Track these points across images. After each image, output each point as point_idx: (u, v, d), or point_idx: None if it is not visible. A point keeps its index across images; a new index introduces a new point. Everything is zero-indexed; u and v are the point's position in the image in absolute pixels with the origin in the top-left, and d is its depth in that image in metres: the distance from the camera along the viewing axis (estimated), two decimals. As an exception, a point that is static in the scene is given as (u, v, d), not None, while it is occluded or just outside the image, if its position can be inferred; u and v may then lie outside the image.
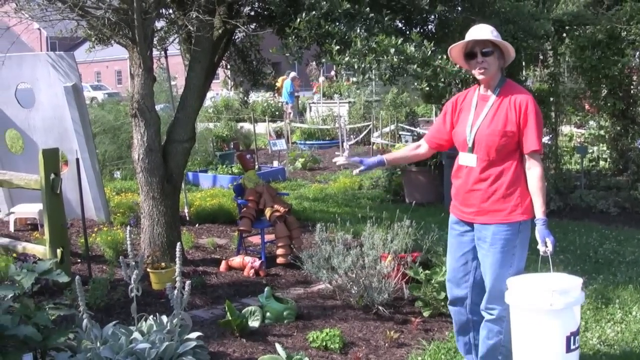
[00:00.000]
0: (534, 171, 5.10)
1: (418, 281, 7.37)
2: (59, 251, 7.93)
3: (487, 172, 5.17)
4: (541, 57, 12.70)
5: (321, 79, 32.42)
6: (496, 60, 5.16)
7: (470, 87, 5.48)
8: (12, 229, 11.11)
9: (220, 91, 34.75)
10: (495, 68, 5.17)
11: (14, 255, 8.65)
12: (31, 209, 11.02)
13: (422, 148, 5.68)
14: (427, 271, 7.37)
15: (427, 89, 7.14)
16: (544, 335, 4.81)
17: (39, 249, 8.49)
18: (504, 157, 5.13)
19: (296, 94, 29.28)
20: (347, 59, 7.18)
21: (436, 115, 20.48)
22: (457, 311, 5.64)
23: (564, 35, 12.19)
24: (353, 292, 7.45)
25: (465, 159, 5.29)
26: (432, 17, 8.62)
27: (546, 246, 4.99)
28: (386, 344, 6.55)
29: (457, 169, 5.43)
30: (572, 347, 4.78)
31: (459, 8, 8.76)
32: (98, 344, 5.71)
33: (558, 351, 4.77)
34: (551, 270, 5.02)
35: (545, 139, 12.87)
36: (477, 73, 5.20)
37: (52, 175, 7.87)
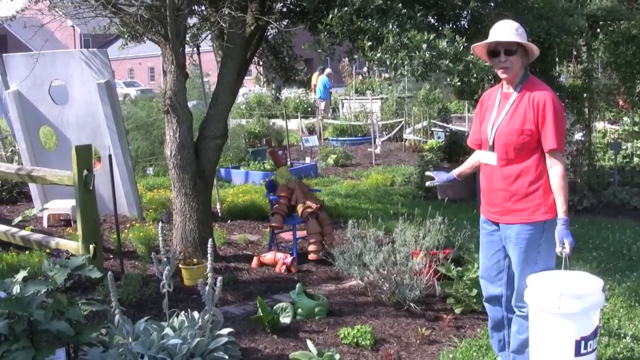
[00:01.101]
0: (555, 170, 5.05)
1: (450, 278, 7.34)
2: (91, 247, 7.97)
3: (508, 171, 5.16)
4: (575, 52, 12.60)
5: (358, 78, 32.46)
6: (519, 59, 5.13)
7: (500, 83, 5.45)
8: (45, 224, 11.19)
9: (252, 87, 34.73)
10: (518, 67, 5.14)
11: (47, 250, 8.71)
12: (64, 205, 11.10)
13: (476, 154, 5.69)
14: (459, 268, 7.34)
15: (459, 84, 7.10)
16: (553, 337, 4.81)
17: (71, 245, 8.54)
18: (525, 156, 5.10)
19: (331, 90, 29.23)
20: (379, 55, 7.16)
21: (469, 111, 20.46)
22: (492, 308, 5.64)
23: (598, 30, 12.06)
24: (384, 288, 7.43)
25: (487, 158, 5.30)
26: (465, 12, 8.59)
27: (563, 247, 4.96)
28: (417, 341, 6.52)
29: (481, 168, 5.45)
30: (583, 351, 4.75)
31: (492, 4, 8.70)
32: (130, 339, 5.74)
33: (567, 354, 4.75)
34: (564, 269, 5.00)
35: (579, 136, 12.77)
36: (499, 72, 5.18)
37: (85, 172, 7.91)
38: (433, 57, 6.97)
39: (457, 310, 7.16)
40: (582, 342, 4.73)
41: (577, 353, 4.73)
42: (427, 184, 6.10)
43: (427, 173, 6.13)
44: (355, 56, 8.18)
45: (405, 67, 7.22)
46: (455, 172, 5.88)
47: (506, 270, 5.44)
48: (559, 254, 5.02)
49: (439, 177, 5.94)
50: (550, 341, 4.82)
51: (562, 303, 4.67)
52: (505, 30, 5.09)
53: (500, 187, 5.19)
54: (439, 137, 19.90)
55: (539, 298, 4.83)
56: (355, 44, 7.57)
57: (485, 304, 5.72)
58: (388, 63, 7.13)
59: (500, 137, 5.13)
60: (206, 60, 12.03)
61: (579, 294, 4.74)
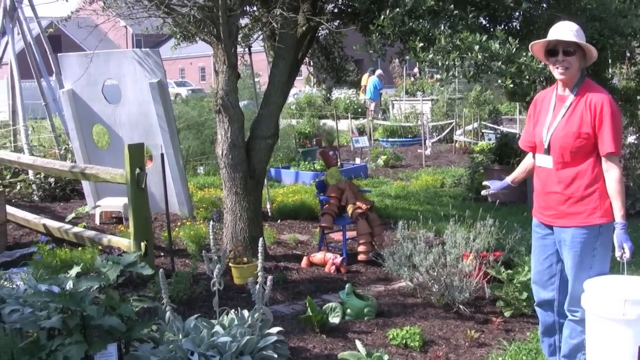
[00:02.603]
0: (611, 174, 5.00)
1: (500, 281, 7.30)
2: (143, 244, 8.04)
3: (564, 174, 5.11)
4: (628, 54, 12.43)
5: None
6: (577, 60, 5.09)
7: (552, 84, 5.40)
8: (97, 221, 11.31)
9: (303, 88, 34.82)
10: (576, 68, 5.10)
11: (99, 247, 8.81)
12: (116, 203, 11.21)
13: (529, 157, 5.66)
14: (509, 271, 7.29)
15: (512, 86, 7.05)
16: (615, 343, 4.74)
17: (123, 242, 8.63)
18: (581, 159, 5.06)
19: (381, 91, 29.19)
20: (431, 56, 7.13)
21: (520, 113, 20.27)
22: (543, 313, 5.60)
23: (652, 32, 11.90)
24: (434, 290, 7.41)
25: (542, 161, 5.26)
26: (517, 14, 8.52)
27: (623, 251, 4.92)
28: (466, 344, 6.51)
29: (536, 170, 5.40)
30: None
31: (544, 5, 8.62)
32: (180, 336, 5.79)
33: None
34: (622, 274, 4.95)
35: (632, 138, 12.62)
36: (557, 72, 5.13)
37: (137, 170, 7.98)
38: (485, 58, 6.93)
39: (507, 314, 7.13)
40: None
41: (640, 359, 4.68)
42: (483, 192, 6.09)
43: (483, 183, 6.12)
44: (407, 57, 8.17)
45: (457, 68, 7.20)
46: (509, 179, 5.85)
47: (558, 275, 5.40)
48: (618, 258, 4.97)
49: (494, 186, 5.92)
50: (612, 348, 4.75)
51: (627, 309, 4.61)
52: (566, 31, 5.05)
53: (556, 190, 5.15)
54: (489, 139, 19.77)
55: (600, 304, 4.77)
56: (407, 45, 7.56)
57: (537, 309, 5.69)
58: (440, 64, 7.10)
59: (556, 141, 5.09)
60: (257, 60, 12.09)
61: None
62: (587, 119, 4.99)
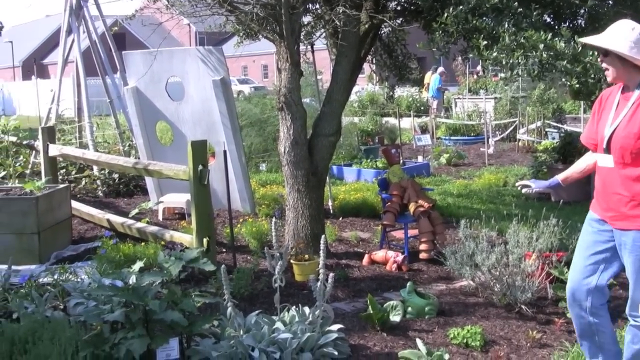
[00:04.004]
0: None
1: (563, 281, 7.21)
2: (205, 240, 8.10)
3: (625, 175, 4.94)
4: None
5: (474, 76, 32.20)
6: (616, 60, 4.89)
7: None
8: (160, 217, 11.42)
9: (365, 86, 34.79)
10: (620, 69, 4.91)
11: (162, 243, 8.88)
12: (179, 199, 11.30)
13: (589, 156, 5.49)
14: (572, 271, 7.20)
15: (577, 85, 6.96)
16: None
17: (185, 238, 8.69)
18: None
19: (443, 89, 29.07)
20: (495, 54, 7.08)
21: (584, 112, 20.03)
22: (577, 314, 5.39)
23: None
24: (496, 289, 7.35)
25: (603, 160, 5.09)
26: (582, 11, 8.41)
27: None
28: (528, 344, 6.44)
29: (597, 169, 5.23)
30: None
31: (610, 2, 8.50)
32: (241, 332, 5.83)
33: None
34: None
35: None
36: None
37: (200, 167, 8.04)
38: (550, 57, 6.85)
39: (569, 315, 7.03)
40: None
41: None
42: (524, 191, 5.82)
43: (520, 182, 5.89)
44: (470, 55, 8.11)
45: (521, 67, 7.13)
46: (560, 177, 5.65)
47: (597, 275, 5.21)
48: None
49: (537, 184, 5.70)
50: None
51: None
52: (611, 34, 4.90)
53: (617, 191, 4.99)
54: (553, 138, 19.57)
55: None
56: (470, 42, 7.51)
57: (570, 310, 5.48)
58: (504, 62, 7.04)
59: (617, 141, 4.93)
60: (319, 58, 12.09)
61: None
62: None
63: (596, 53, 5.00)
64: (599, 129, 5.13)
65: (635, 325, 5.09)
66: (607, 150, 5.00)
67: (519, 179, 5.86)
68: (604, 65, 4.96)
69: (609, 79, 5.00)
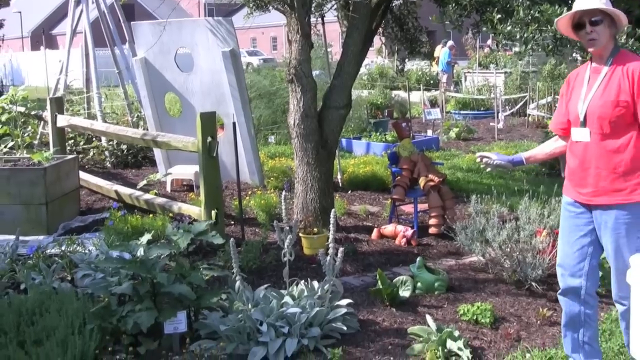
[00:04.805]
0: None
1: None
2: (213, 213, 8.06)
3: (603, 147, 4.78)
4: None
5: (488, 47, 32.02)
6: (606, 29, 4.80)
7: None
8: (168, 189, 11.39)
9: (375, 58, 34.69)
10: (606, 38, 4.81)
11: (170, 215, 8.85)
12: (187, 171, 11.26)
13: (559, 141, 5.34)
14: (584, 248, 7.14)
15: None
16: None
17: (194, 210, 8.65)
18: (621, 131, 4.74)
19: (453, 63, 28.93)
20: (508, 28, 6.99)
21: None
22: (568, 302, 5.22)
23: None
24: (506, 266, 7.29)
25: (578, 134, 4.92)
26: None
27: None
28: (538, 322, 6.39)
29: (570, 146, 5.05)
30: None
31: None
32: (249, 305, 5.80)
33: None
34: None
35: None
36: (587, 45, 4.88)
37: (209, 139, 7.99)
38: (565, 31, 6.77)
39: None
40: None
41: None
42: (483, 161, 5.50)
43: (481, 153, 5.57)
44: (484, 29, 8.02)
45: (535, 41, 7.03)
46: (524, 155, 5.47)
47: (588, 259, 5.05)
48: None
49: (499, 157, 5.45)
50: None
51: None
52: (587, 0, 4.81)
53: (595, 165, 4.83)
54: (564, 113, 19.45)
55: None
56: (484, 16, 7.43)
57: (560, 298, 5.31)
58: (518, 37, 6.95)
59: (594, 111, 4.79)
60: (329, 30, 12.01)
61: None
62: (625, 86, 4.70)
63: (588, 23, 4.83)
64: (570, 109, 4.97)
65: (627, 309, 4.90)
66: (584, 123, 4.85)
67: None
68: (593, 35, 4.79)
69: (594, 48, 4.83)
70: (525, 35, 6.93)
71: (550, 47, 7.00)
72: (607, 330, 6.12)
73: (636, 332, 4.47)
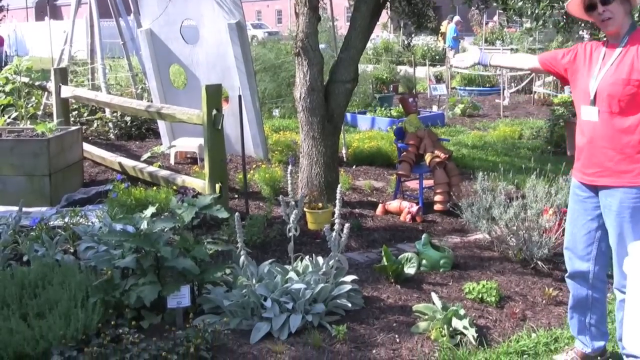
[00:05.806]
0: None
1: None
2: (217, 186, 8.02)
3: (612, 126, 4.67)
4: None
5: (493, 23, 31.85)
6: (619, 6, 4.65)
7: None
8: (172, 161, 11.34)
9: (380, 33, 34.53)
10: (621, 15, 4.66)
11: (174, 187, 8.80)
12: (191, 143, 11.21)
13: (531, 62, 5.32)
14: (590, 227, 7.08)
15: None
16: None
17: (197, 183, 8.60)
18: (631, 111, 4.62)
19: (459, 38, 28.79)
20: (519, 4, 6.91)
21: (604, 65, 19.76)
22: (576, 286, 5.16)
23: None
24: (511, 244, 7.24)
25: (587, 113, 4.80)
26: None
27: None
28: (543, 301, 6.34)
29: (579, 125, 4.96)
30: None
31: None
32: (254, 281, 5.76)
33: None
34: None
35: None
36: (602, 26, 4.78)
37: (214, 111, 7.93)
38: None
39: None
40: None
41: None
42: (455, 64, 5.68)
43: (458, 55, 5.69)
44: (494, 4, 7.93)
45: (547, 17, 6.95)
46: (492, 60, 5.44)
47: (596, 244, 4.97)
48: None
49: (471, 56, 5.48)
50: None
51: None
52: None
53: (602, 145, 4.72)
54: (570, 92, 19.36)
55: None
56: (495, -9, 7.35)
57: (568, 281, 5.24)
58: (529, 12, 6.87)
59: (604, 89, 4.67)
60: (335, 4, 11.93)
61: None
62: (638, 65, 4.57)
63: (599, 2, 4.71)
64: (581, 85, 4.87)
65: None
66: (593, 102, 4.74)
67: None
68: (607, 14, 4.65)
69: (611, 28, 4.70)
70: (537, 11, 6.85)
71: (561, 23, 6.92)
72: (612, 310, 6.05)
73: (631, 322, 4.42)
